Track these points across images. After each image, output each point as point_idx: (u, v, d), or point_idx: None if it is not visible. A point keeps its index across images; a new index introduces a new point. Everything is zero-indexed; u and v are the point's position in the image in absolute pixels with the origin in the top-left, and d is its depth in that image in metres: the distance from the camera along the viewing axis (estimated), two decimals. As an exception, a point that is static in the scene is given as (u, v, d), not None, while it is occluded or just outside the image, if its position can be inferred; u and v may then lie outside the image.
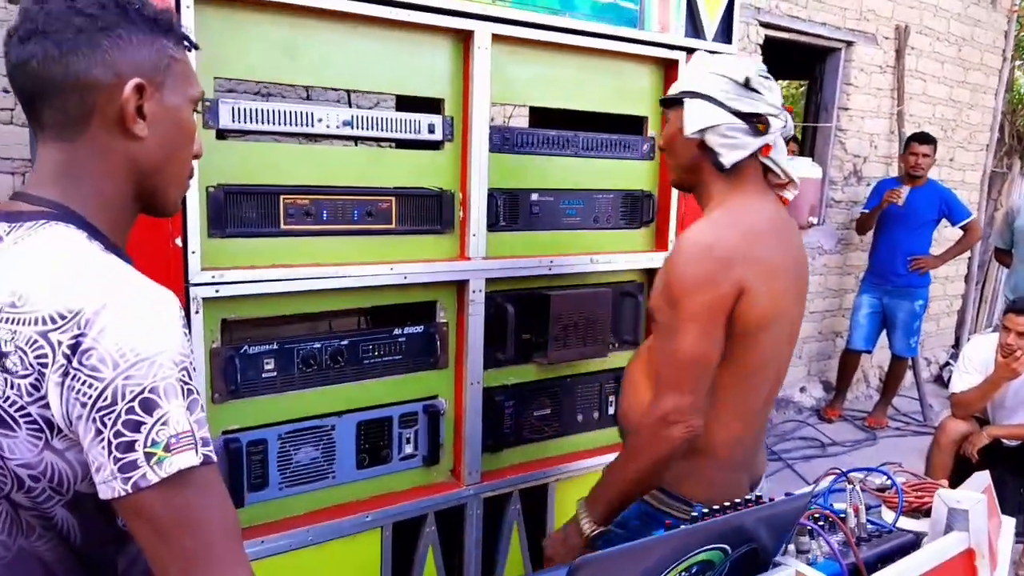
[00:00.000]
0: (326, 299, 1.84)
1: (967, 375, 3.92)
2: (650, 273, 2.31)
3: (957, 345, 6.61)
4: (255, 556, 1.76)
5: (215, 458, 0.90)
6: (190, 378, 0.87)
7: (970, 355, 3.97)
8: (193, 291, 1.61)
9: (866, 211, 5.18)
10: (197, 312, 1.63)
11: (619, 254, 2.25)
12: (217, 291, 1.64)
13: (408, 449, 2.01)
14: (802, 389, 5.43)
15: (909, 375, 5.57)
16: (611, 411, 2.34)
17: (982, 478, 1.38)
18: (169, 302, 0.88)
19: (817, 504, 1.30)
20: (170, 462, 0.82)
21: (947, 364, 6.44)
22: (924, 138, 5.02)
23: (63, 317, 0.83)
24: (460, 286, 2.00)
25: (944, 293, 6.54)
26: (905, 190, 4.93)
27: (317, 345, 1.85)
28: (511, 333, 2.08)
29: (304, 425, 1.85)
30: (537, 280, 2.13)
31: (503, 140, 2.01)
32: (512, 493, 2.16)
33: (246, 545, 1.66)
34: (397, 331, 1.96)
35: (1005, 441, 3.94)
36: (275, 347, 1.79)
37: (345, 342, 1.88)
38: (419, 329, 1.99)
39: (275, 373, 1.80)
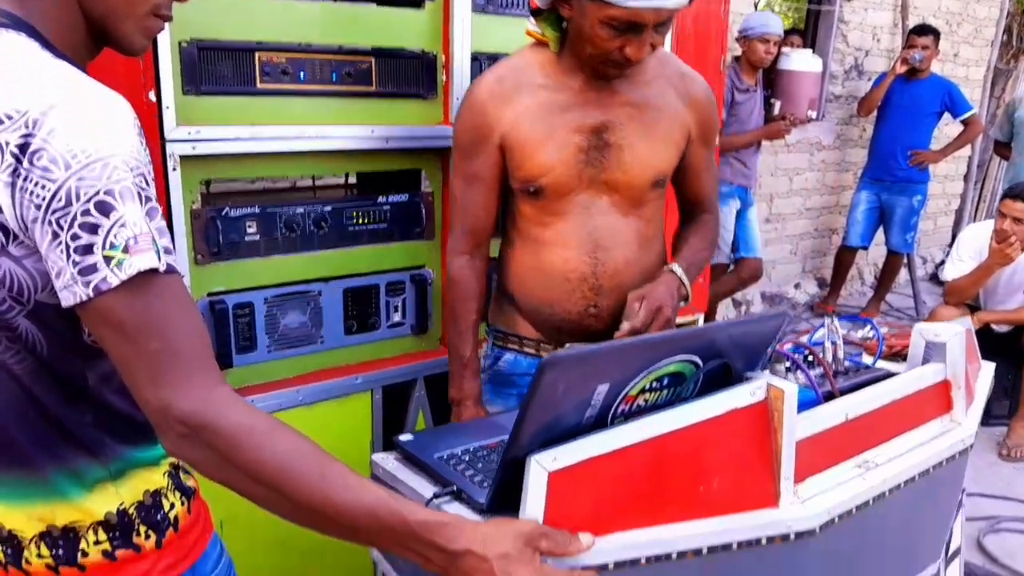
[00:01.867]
0: (308, 163, 1.82)
1: (961, 262, 3.92)
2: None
3: (954, 244, 6.61)
4: (245, 417, 1.78)
5: (180, 271, 0.89)
6: (147, 185, 0.86)
7: (965, 242, 3.96)
8: (169, 147, 1.59)
9: (874, 87, 5.07)
10: (175, 170, 1.61)
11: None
12: (194, 148, 1.62)
13: (396, 317, 2.02)
14: (796, 286, 5.45)
15: (904, 273, 5.58)
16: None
17: (965, 321, 1.39)
18: (122, 105, 0.86)
19: (795, 339, 1.31)
20: (129, 263, 0.82)
21: (942, 263, 6.43)
22: (924, 30, 4.89)
23: (9, 118, 0.81)
24: (445, 154, 1.97)
25: (943, 192, 6.49)
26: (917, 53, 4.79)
27: (300, 210, 1.83)
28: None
29: (290, 290, 1.85)
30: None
31: (487, 0, 1.94)
32: (500, 363, 2.17)
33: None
34: (381, 199, 1.94)
35: (995, 327, 3.97)
36: (257, 211, 1.78)
37: (328, 208, 1.86)
38: (404, 198, 1.98)
39: (258, 237, 1.79)
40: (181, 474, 1.14)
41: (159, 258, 0.84)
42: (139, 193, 0.84)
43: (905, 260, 5.38)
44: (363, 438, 2.00)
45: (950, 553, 1.52)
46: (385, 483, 1.20)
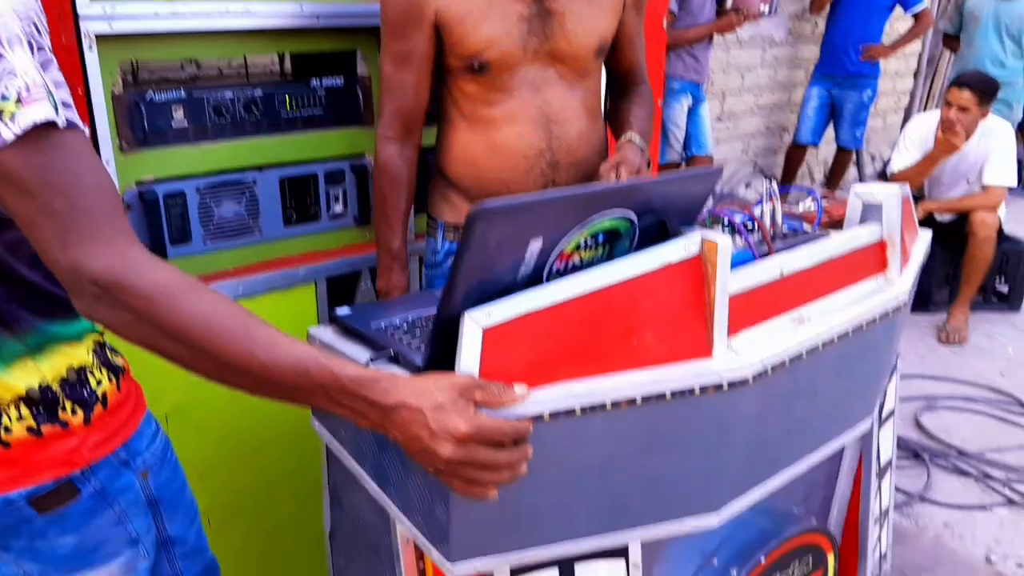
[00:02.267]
0: (233, 43, 1.73)
1: (906, 152, 3.96)
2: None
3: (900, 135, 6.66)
4: (185, 308, 1.75)
5: (83, 127, 0.85)
6: (40, 33, 0.80)
7: (910, 133, 3.99)
8: (84, 25, 1.50)
9: None
10: (91, 49, 1.52)
11: None
12: (110, 26, 1.52)
13: (337, 208, 1.98)
14: (747, 185, 5.47)
15: (853, 171, 5.63)
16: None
17: (904, 187, 1.39)
18: None
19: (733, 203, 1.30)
20: (23, 114, 0.77)
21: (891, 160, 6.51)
22: None
23: None
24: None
25: (893, 89, 6.50)
26: None
27: (229, 94, 1.75)
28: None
29: (223, 179, 1.79)
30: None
31: None
32: (446, 254, 2.15)
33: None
34: (315, 82, 1.87)
35: (939, 216, 4.05)
36: (183, 95, 1.70)
37: (259, 92, 1.79)
38: (339, 82, 1.90)
39: (186, 123, 1.72)
40: (108, 352, 1.12)
41: (56, 111, 0.79)
42: (30, 42, 0.79)
43: (854, 157, 5.42)
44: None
45: (884, 414, 1.57)
46: (323, 354, 1.19)
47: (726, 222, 1.22)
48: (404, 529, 1.11)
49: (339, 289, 2.00)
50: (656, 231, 1.06)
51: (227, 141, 1.77)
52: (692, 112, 4.42)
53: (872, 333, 1.26)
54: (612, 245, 1.03)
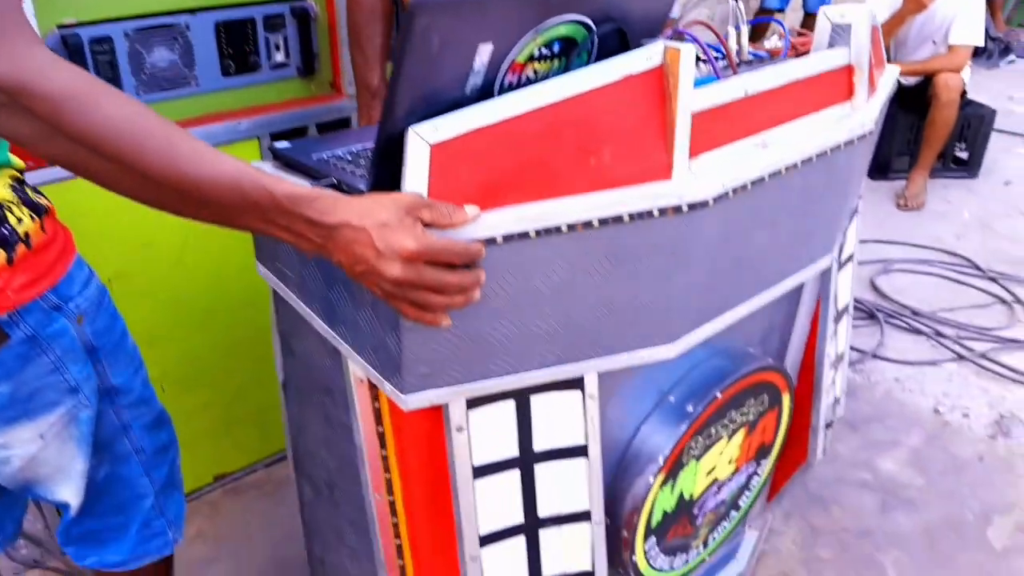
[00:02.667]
0: None
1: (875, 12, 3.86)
2: None
3: None
4: (121, 162, 1.65)
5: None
6: None
7: (878, -9, 3.88)
8: None
9: None
10: None
11: None
12: None
13: (279, 57, 1.86)
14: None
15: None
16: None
17: (873, 13, 1.32)
18: None
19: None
20: None
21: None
22: None
23: None
24: None
25: (861, -49, 6.30)
26: None
27: (154, -78, 1.60)
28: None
29: (153, 23, 1.66)
30: None
31: None
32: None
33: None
34: (249, -89, 1.71)
35: (903, 80, 3.99)
36: (102, -78, 1.55)
37: (187, -80, 1.64)
38: (276, -89, 1.75)
39: (109, -45, 1.57)
40: (28, 190, 1.04)
41: None
42: None
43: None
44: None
45: (844, 257, 1.55)
46: (262, 188, 1.12)
47: (690, 42, 1.15)
48: (356, 367, 1.08)
49: (286, 143, 1.91)
50: (616, 44, 0.99)
51: (155, -22, 1.64)
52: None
53: (836, 162, 1.22)
54: (568, 56, 0.96)
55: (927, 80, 3.87)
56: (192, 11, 1.71)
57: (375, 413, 1.11)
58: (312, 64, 1.90)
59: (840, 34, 1.23)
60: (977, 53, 3.87)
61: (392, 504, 1.15)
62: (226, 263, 1.87)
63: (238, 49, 1.79)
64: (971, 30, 3.73)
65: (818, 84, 1.19)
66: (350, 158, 1.08)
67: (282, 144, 1.14)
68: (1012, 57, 6.95)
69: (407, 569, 1.19)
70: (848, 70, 1.23)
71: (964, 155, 4.34)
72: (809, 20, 5.18)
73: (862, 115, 1.23)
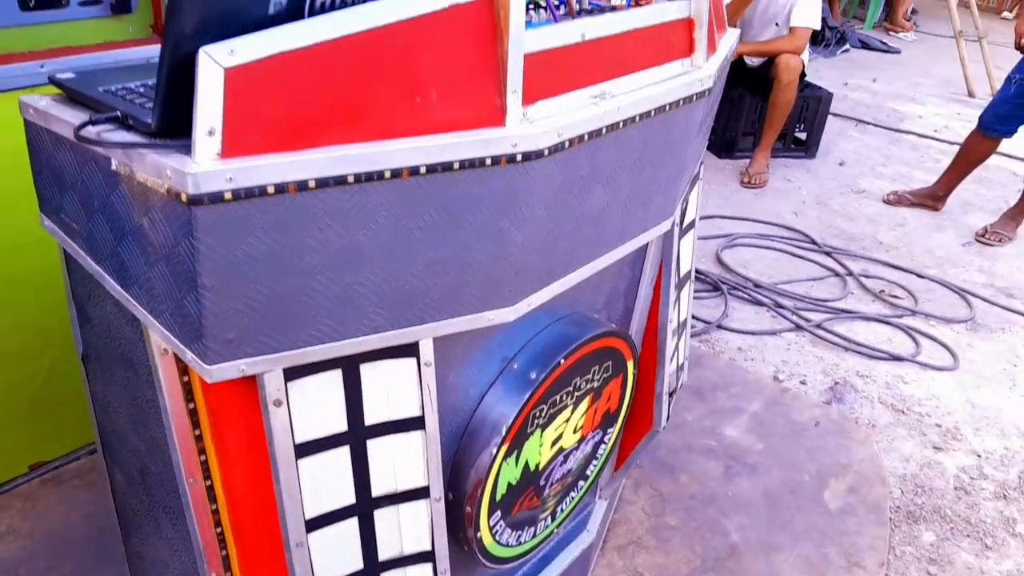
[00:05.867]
0: None
1: (722, -7, 3.96)
2: None
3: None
4: None
5: None
6: None
7: (726, -27, 3.98)
8: None
9: None
10: None
11: None
12: None
13: (87, -8, 1.66)
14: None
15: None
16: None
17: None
18: None
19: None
20: None
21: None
22: None
23: None
24: None
25: (712, -62, 6.48)
26: None
27: None
28: None
29: (-75, -60, 1.43)
30: None
31: None
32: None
33: None
34: None
35: (748, 60, 4.13)
36: None
37: None
38: None
39: None
40: None
41: None
42: None
43: None
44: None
45: (685, 223, 1.54)
46: (39, 127, 0.97)
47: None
48: (157, 336, 0.95)
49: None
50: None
51: None
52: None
53: (675, 119, 1.19)
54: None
55: (770, 61, 4.02)
56: (-23, -66, 1.49)
57: (184, 388, 0.98)
58: (128, 2, 1.71)
59: (681, -12, 1.19)
60: (816, 41, 4.06)
61: (210, 489, 1.03)
62: (24, 226, 1.66)
63: (38, -18, 1.58)
64: (811, 13, 3.90)
65: (658, 36, 1.15)
66: (142, 90, 0.95)
67: (65, 75, 0.99)
68: (847, 47, 7.39)
69: (231, 559, 1.07)
70: (688, 24, 1.20)
71: (803, 136, 4.55)
72: None
73: (701, 72, 1.20)
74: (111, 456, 1.34)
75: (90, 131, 0.84)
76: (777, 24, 4.00)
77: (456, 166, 0.89)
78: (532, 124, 0.94)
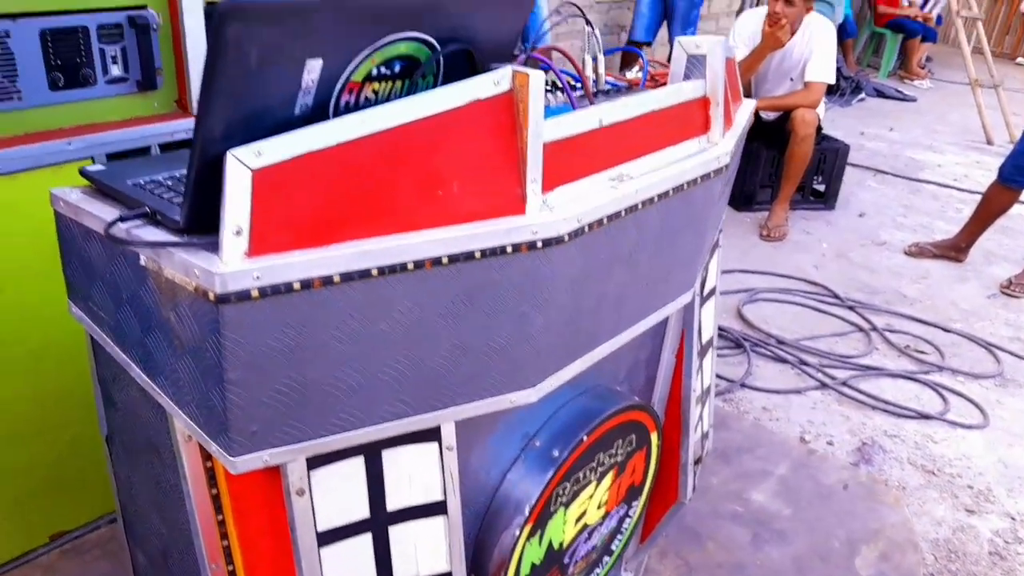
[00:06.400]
0: None
1: (736, 49, 4.00)
2: None
3: (729, 33, 6.81)
4: (-78, 186, 1.46)
5: None
6: None
7: (738, 30, 4.03)
8: None
9: None
10: None
11: None
12: None
13: (116, 71, 1.70)
14: (567, 20, 5.41)
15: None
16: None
17: (728, 46, 1.32)
18: None
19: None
20: None
21: (722, 65, 6.64)
22: None
23: None
24: None
25: (725, -8, 6.59)
26: None
27: (-38, -80, 1.43)
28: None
29: (-36, 29, 1.48)
30: None
31: None
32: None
33: None
34: (77, -88, 1.56)
35: (764, 115, 4.15)
36: None
37: (3, -81, 1.47)
38: (109, -86, 1.61)
39: (-94, -47, 1.39)
40: None
41: None
42: None
43: (688, 58, 5.47)
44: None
45: (706, 291, 1.54)
46: (69, 219, 0.99)
47: (548, 81, 1.10)
48: (182, 424, 0.95)
49: (124, 169, 1.75)
50: (464, 67, 0.92)
51: (-36, -20, 1.46)
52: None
53: (693, 196, 1.19)
54: (411, 78, 0.89)
55: (786, 115, 4.04)
56: (12, 16, 1.53)
57: (207, 473, 0.98)
58: (153, 79, 1.75)
59: (696, 65, 1.21)
60: (831, 91, 4.08)
61: (232, 575, 1.03)
62: (51, 301, 1.68)
63: (68, 61, 1.63)
64: (825, 68, 3.92)
65: (674, 116, 1.16)
66: (171, 183, 0.97)
67: (94, 168, 1.01)
68: (862, 95, 7.42)
69: (251, 644, 1.06)
70: (704, 102, 1.21)
71: (821, 188, 4.55)
72: (677, 56, 5.36)
73: (718, 149, 1.21)
74: (133, 536, 1.34)
75: (120, 229, 0.85)
76: (792, 79, 4.03)
77: (477, 255, 0.90)
78: (552, 211, 0.95)
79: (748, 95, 4.08)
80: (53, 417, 1.80)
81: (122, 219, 0.87)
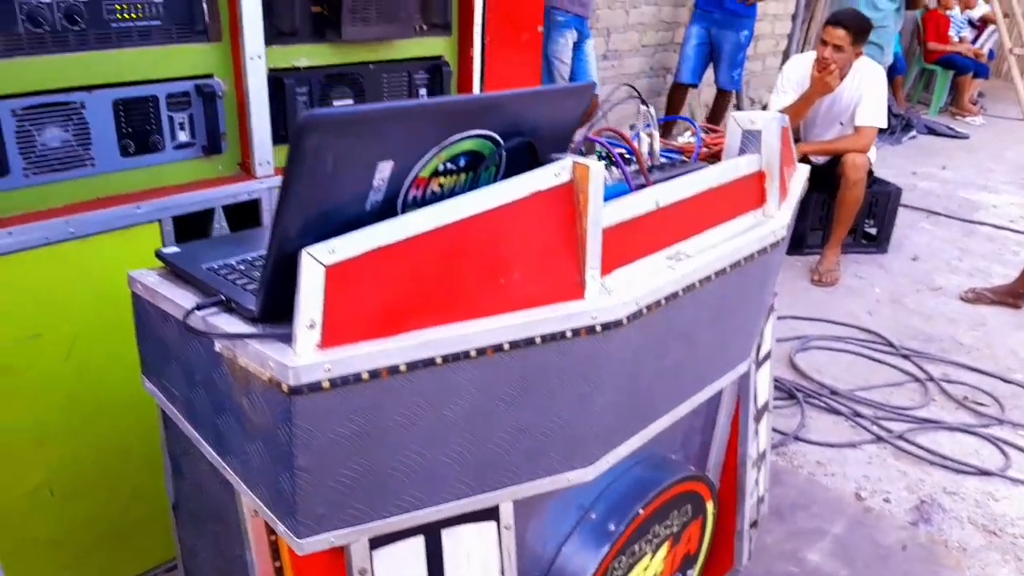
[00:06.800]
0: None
1: (784, 94, 4.00)
2: (458, -57, 2.05)
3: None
4: (3, 250, 1.53)
5: None
6: None
7: (787, 74, 4.02)
8: None
9: None
10: None
11: (421, -85, 1.96)
12: None
13: (183, 137, 1.77)
14: (631, 126, 5.44)
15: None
16: (421, 106, 2.16)
17: (782, 117, 1.33)
18: None
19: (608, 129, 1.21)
20: None
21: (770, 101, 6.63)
22: None
23: None
24: (226, -68, 1.68)
25: (772, 32, 6.59)
26: None
27: (46, 0, 1.51)
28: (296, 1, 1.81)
29: (44, 100, 1.55)
30: (323, -63, 1.83)
31: None
32: (313, 191, 1.98)
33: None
34: (151, -11, 1.64)
35: (814, 159, 4.12)
36: (-13, 0, 1.45)
37: (83, -1, 1.55)
38: (179, -11, 1.68)
39: (-7, 33, 1.47)
40: None
41: None
42: None
43: (734, 99, 5.47)
44: (156, 274, 1.79)
45: (761, 356, 1.53)
46: (146, 301, 1.03)
47: (603, 153, 1.12)
48: (250, 501, 0.98)
49: (189, 229, 1.80)
50: (525, 157, 0.95)
51: (47, 55, 1.53)
52: (577, 48, 4.32)
53: (750, 270, 1.20)
54: (475, 171, 0.91)
55: (836, 159, 4.00)
56: (88, 88, 1.61)
57: (272, 547, 1.01)
58: (218, 144, 1.82)
59: (751, 140, 1.22)
60: (881, 130, 4.03)
61: (291, 642, 1.05)
62: (118, 358, 1.74)
63: (139, 128, 1.70)
64: (876, 112, 3.88)
65: (730, 192, 1.17)
66: (243, 268, 1.00)
67: (170, 250, 1.06)
68: (913, 133, 7.32)
69: None
70: (759, 176, 1.22)
71: (873, 231, 4.48)
72: (721, 97, 5.36)
73: (775, 223, 1.22)
74: (196, 598, 1.37)
75: (197, 318, 0.89)
76: (842, 123, 4.00)
77: (538, 340, 0.92)
78: (610, 295, 0.96)
79: (797, 139, 4.06)
80: (116, 470, 1.85)
81: (199, 307, 0.90)
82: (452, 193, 0.90)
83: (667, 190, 1.06)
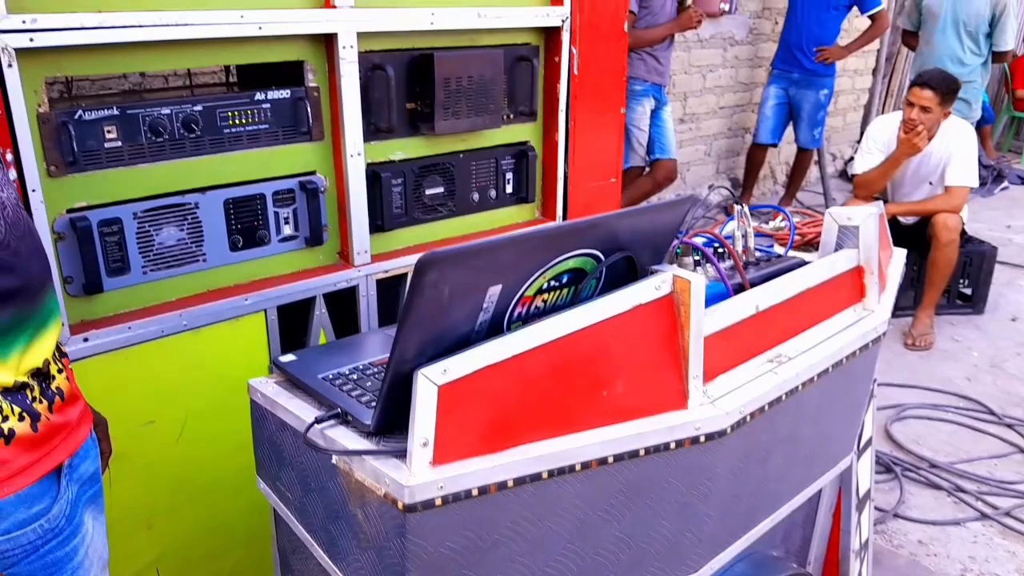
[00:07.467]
0: (169, 54, 1.61)
1: (870, 155, 3.94)
2: (548, 32, 2.12)
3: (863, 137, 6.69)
4: (123, 344, 1.63)
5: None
6: None
7: (873, 135, 3.97)
8: (1, 39, 1.37)
9: None
10: (11, 66, 1.39)
11: (511, 8, 2.04)
12: (32, 40, 1.40)
13: (287, 230, 1.86)
14: (710, 187, 5.44)
15: (814, 170, 5.62)
16: (508, 189, 2.22)
17: (877, 205, 1.33)
18: None
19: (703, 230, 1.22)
20: None
21: (852, 159, 6.52)
22: None
23: None
24: (328, 42, 1.79)
25: (852, 87, 6.52)
26: None
27: (166, 111, 1.63)
28: (393, 99, 1.90)
29: (162, 203, 1.67)
30: (418, 38, 1.92)
31: None
32: (406, 274, 2.05)
33: (107, 333, 1.54)
34: (259, 96, 1.75)
35: (902, 219, 4.03)
36: (116, 112, 1.57)
37: (199, 108, 1.67)
38: (285, 94, 1.79)
39: (120, 143, 1.59)
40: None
41: None
42: None
43: (815, 157, 5.41)
44: (260, 362, 1.87)
45: (862, 445, 1.50)
46: (265, 409, 1.09)
47: (698, 255, 1.14)
48: (358, 600, 1.01)
49: (291, 317, 1.89)
50: (625, 269, 0.98)
51: (166, 162, 1.65)
52: (655, 115, 4.37)
53: (852, 366, 1.19)
54: (577, 285, 0.94)
55: (926, 219, 3.90)
56: (202, 190, 1.72)
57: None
58: (320, 235, 1.90)
59: (848, 235, 1.22)
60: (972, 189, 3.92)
61: None
62: (223, 438, 1.82)
63: (247, 224, 1.80)
64: (967, 171, 3.78)
65: (829, 289, 1.17)
66: (356, 378, 1.05)
67: (286, 359, 1.12)
68: (1005, 184, 7.07)
69: None
70: (858, 271, 1.22)
71: (968, 291, 4.33)
72: (802, 155, 5.31)
73: (875, 317, 1.21)
74: None
75: (316, 431, 0.94)
76: (931, 183, 3.91)
77: (642, 452, 0.93)
78: (713, 404, 0.97)
79: (885, 200, 3.98)
80: (220, 545, 1.91)
81: (318, 420, 0.95)
82: (554, 308, 0.94)
83: (766, 293, 1.07)
